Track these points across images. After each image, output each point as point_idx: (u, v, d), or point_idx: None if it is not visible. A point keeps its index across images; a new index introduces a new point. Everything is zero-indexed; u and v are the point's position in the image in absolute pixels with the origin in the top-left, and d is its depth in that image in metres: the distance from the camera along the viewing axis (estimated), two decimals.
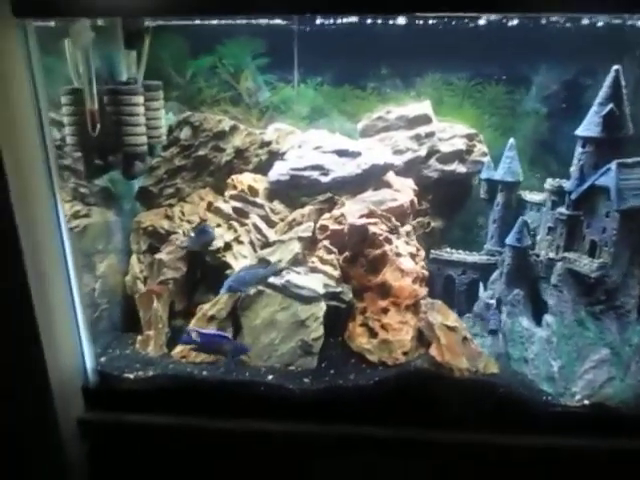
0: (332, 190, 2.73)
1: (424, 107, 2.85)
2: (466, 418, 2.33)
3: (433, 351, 2.41)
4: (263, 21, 2.60)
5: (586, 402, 2.33)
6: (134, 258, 2.85)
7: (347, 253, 2.56)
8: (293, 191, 2.80)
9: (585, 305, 2.38)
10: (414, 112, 2.83)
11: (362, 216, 2.53)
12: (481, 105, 2.91)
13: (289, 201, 2.88)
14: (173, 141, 2.85)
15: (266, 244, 2.74)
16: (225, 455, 2.48)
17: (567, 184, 2.40)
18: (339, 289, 2.55)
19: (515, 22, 2.46)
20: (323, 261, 2.58)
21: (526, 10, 1.97)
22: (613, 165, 2.22)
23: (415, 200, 2.69)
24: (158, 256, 2.73)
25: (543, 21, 2.51)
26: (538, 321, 2.52)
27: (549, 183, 2.52)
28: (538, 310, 2.55)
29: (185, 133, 2.84)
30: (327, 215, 2.68)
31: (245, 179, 2.88)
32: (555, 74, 2.84)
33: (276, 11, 2.10)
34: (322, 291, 2.49)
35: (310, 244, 2.67)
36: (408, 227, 2.66)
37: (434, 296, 2.70)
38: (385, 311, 2.49)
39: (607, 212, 2.28)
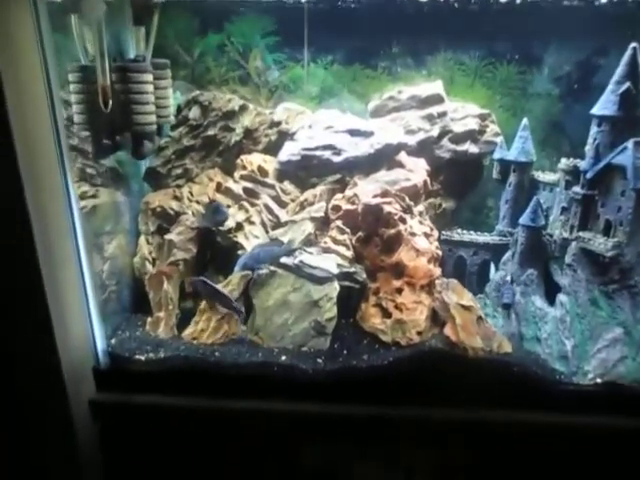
0: (344, 170, 2.70)
1: (436, 87, 2.82)
2: (480, 397, 2.34)
3: (447, 331, 2.41)
4: None
5: (599, 381, 2.34)
6: (142, 239, 2.82)
7: (360, 233, 2.55)
8: (304, 171, 2.78)
9: (598, 284, 2.38)
10: (426, 92, 2.81)
11: (376, 196, 2.51)
12: (492, 85, 2.88)
13: (299, 182, 2.85)
14: (182, 121, 2.81)
15: (278, 224, 2.72)
16: (237, 436, 2.48)
17: (582, 163, 2.40)
18: (352, 269, 2.54)
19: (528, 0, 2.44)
20: (336, 241, 2.57)
21: None
22: (630, 143, 2.21)
23: (428, 180, 2.68)
24: (168, 237, 2.69)
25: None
26: (551, 301, 2.53)
27: (563, 163, 2.51)
28: (551, 290, 2.55)
29: (194, 113, 2.80)
30: (340, 195, 2.66)
31: (255, 159, 2.84)
32: (568, 54, 2.82)
33: None
34: (335, 271, 2.47)
35: (322, 224, 2.66)
36: (421, 207, 2.64)
37: (445, 277, 2.69)
38: (399, 291, 2.49)
39: (623, 191, 2.27)
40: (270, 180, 2.79)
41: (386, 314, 2.50)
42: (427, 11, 2.61)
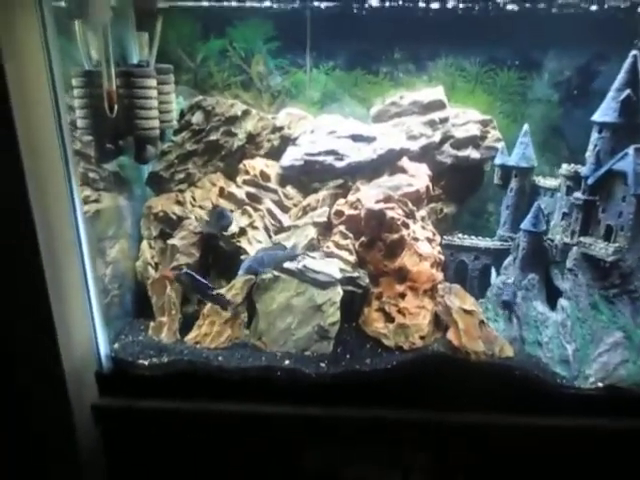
0: (347, 175, 2.72)
1: (438, 92, 2.84)
2: (482, 401, 2.35)
3: (450, 335, 2.43)
4: (275, 4, 2.57)
5: (600, 384, 2.36)
6: (145, 244, 2.82)
7: (363, 238, 2.56)
8: (306, 176, 2.79)
9: (599, 289, 2.40)
10: (428, 98, 2.83)
11: (379, 201, 2.53)
12: (493, 91, 2.91)
13: (301, 186, 2.87)
14: (184, 125, 2.82)
15: (280, 229, 2.73)
16: (240, 441, 2.48)
17: (583, 169, 2.42)
18: (355, 274, 2.55)
19: (527, 6, 2.46)
20: (339, 246, 2.58)
21: None
22: (630, 150, 2.24)
23: (430, 186, 2.70)
24: (171, 242, 2.70)
25: (555, 7, 2.51)
26: (552, 305, 2.55)
27: (564, 168, 2.54)
28: (552, 294, 2.57)
29: (197, 117, 2.81)
30: (342, 200, 2.67)
31: (257, 164, 2.85)
32: (568, 60, 2.86)
33: None
34: (339, 276, 2.49)
35: (325, 229, 2.67)
36: (423, 212, 2.66)
37: (447, 281, 2.70)
38: (402, 296, 2.50)
39: (623, 197, 2.29)
40: (273, 185, 2.80)
41: (389, 318, 2.52)
42: (428, 17, 2.63)
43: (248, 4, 2.60)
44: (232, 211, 2.75)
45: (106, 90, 2.23)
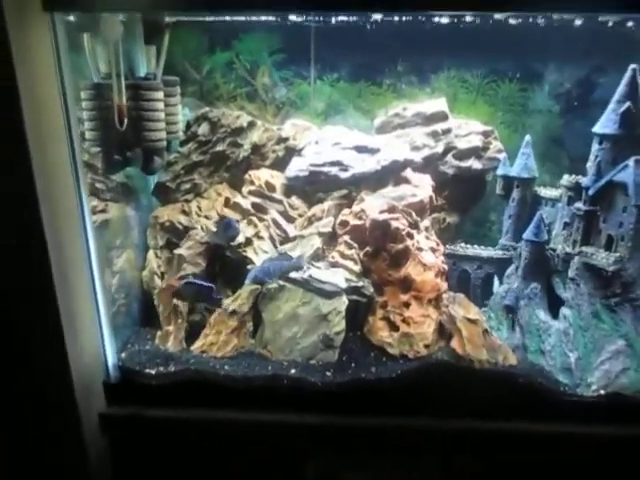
0: (351, 186, 2.76)
1: (440, 104, 2.89)
2: (486, 409, 2.38)
3: (454, 343, 2.46)
4: (280, 17, 2.61)
5: (602, 392, 2.39)
6: (151, 253, 2.85)
7: (368, 248, 2.59)
8: (311, 187, 2.82)
9: (601, 298, 2.43)
10: (431, 109, 2.87)
11: (383, 211, 2.56)
12: (494, 102, 2.95)
13: (306, 197, 2.90)
14: (191, 137, 2.85)
15: (286, 239, 2.76)
16: (248, 449, 2.50)
17: (584, 180, 2.46)
18: (360, 283, 2.59)
19: (529, 20, 2.49)
20: (344, 256, 2.61)
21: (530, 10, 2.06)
22: (631, 161, 2.28)
23: (433, 196, 2.73)
24: (178, 251, 2.73)
25: (556, 18, 2.54)
26: (554, 314, 2.59)
27: (565, 179, 2.58)
28: (554, 303, 2.61)
29: (203, 129, 2.84)
30: (347, 210, 2.71)
31: (262, 175, 2.89)
32: (568, 72, 2.90)
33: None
34: (344, 286, 2.52)
35: (330, 239, 2.70)
36: (427, 222, 2.70)
37: (450, 291, 2.74)
38: (407, 305, 2.53)
39: (624, 207, 2.33)
40: (278, 195, 2.84)
41: (393, 327, 2.55)
42: (431, 30, 2.66)
43: (254, 18, 2.63)
44: (238, 221, 2.78)
45: (116, 104, 2.27)
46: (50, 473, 2.47)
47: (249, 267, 2.64)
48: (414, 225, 2.59)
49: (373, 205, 2.61)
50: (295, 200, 2.87)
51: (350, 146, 2.75)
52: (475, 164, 2.83)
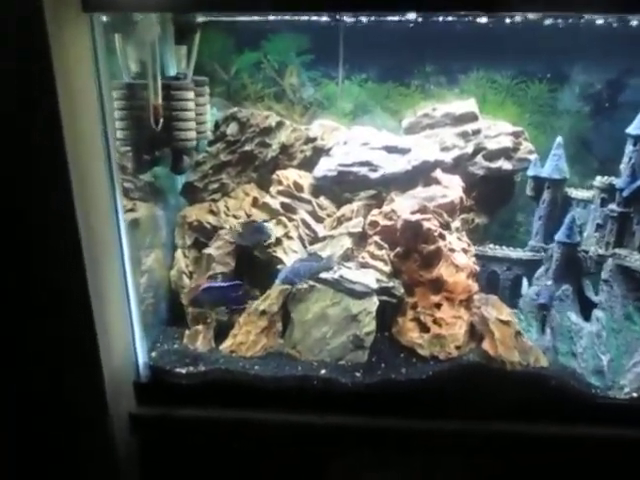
0: (380, 186, 2.75)
1: (470, 105, 2.88)
2: (518, 411, 2.37)
3: (486, 345, 2.45)
4: (308, 17, 2.61)
5: (635, 394, 2.38)
6: (179, 253, 2.85)
7: (399, 249, 2.59)
8: (339, 187, 2.82)
9: (634, 300, 2.43)
10: (460, 110, 2.86)
11: (415, 212, 2.55)
12: (523, 103, 2.94)
13: (334, 197, 2.90)
14: (219, 137, 2.85)
15: (315, 239, 2.75)
16: (278, 449, 2.50)
17: (617, 181, 2.45)
18: (391, 284, 2.58)
19: (560, 20, 2.48)
20: (374, 256, 2.61)
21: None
22: None
23: (464, 197, 2.72)
24: (207, 251, 2.73)
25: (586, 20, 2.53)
26: (585, 316, 2.57)
27: (599, 180, 2.57)
28: (586, 305, 2.59)
29: (232, 129, 2.84)
30: (377, 211, 2.70)
31: (290, 175, 2.88)
32: (599, 73, 2.89)
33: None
34: (375, 286, 2.51)
35: (359, 240, 2.70)
36: (457, 223, 2.69)
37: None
38: (438, 306, 2.52)
39: None
40: (306, 195, 2.83)
41: (424, 328, 2.54)
42: (460, 30, 2.65)
43: (284, 17, 2.63)
44: (266, 221, 2.78)
45: (152, 104, 2.28)
46: (79, 473, 2.48)
47: (279, 267, 2.64)
48: (446, 226, 2.58)
49: (404, 206, 2.60)
50: (323, 200, 2.86)
51: (379, 146, 2.74)
52: (505, 165, 2.81)
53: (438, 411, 2.39)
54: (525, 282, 2.83)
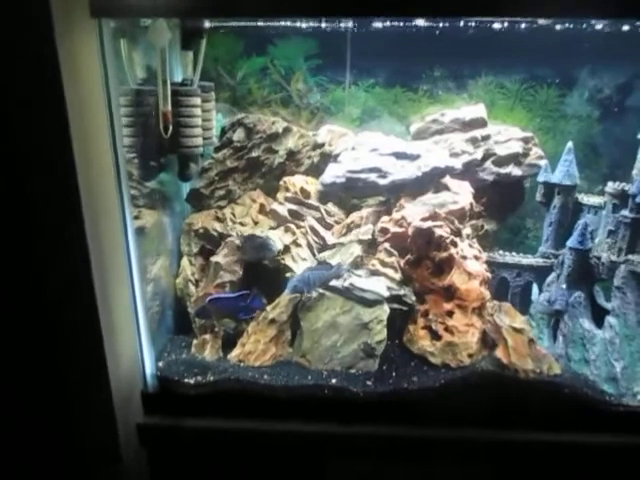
0: (390, 192, 2.72)
1: (479, 110, 2.86)
2: (532, 419, 2.35)
3: (499, 353, 2.42)
4: (315, 22, 2.59)
5: None
6: (185, 260, 2.81)
7: (410, 256, 2.56)
8: (348, 193, 2.79)
9: None
10: (469, 115, 2.84)
11: (426, 219, 2.53)
12: (532, 108, 2.93)
13: (341, 203, 2.87)
14: (226, 143, 2.82)
15: (323, 246, 2.72)
16: (288, 459, 2.46)
17: (630, 187, 2.43)
18: (402, 292, 2.55)
19: (568, 25, 2.47)
20: (384, 264, 2.58)
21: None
22: None
23: (473, 203, 2.70)
24: (215, 259, 2.69)
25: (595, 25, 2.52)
26: (597, 323, 2.55)
27: (610, 186, 2.55)
28: (597, 312, 2.57)
29: (238, 135, 2.81)
30: (387, 218, 2.67)
31: (297, 181, 2.86)
32: (608, 78, 2.88)
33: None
34: (386, 294, 2.48)
35: (369, 247, 2.67)
36: (468, 230, 2.67)
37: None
38: (450, 314, 2.49)
39: None
40: (314, 202, 2.80)
41: (436, 336, 2.51)
42: (469, 35, 2.64)
43: (290, 23, 2.61)
44: (272, 228, 2.74)
45: (161, 111, 2.24)
46: None
47: (287, 275, 2.60)
48: (457, 233, 2.55)
49: (414, 212, 2.57)
50: (331, 207, 2.84)
51: (388, 152, 2.71)
52: (515, 170, 2.79)
53: (450, 420, 2.36)
54: (535, 288, 2.81)
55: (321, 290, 2.54)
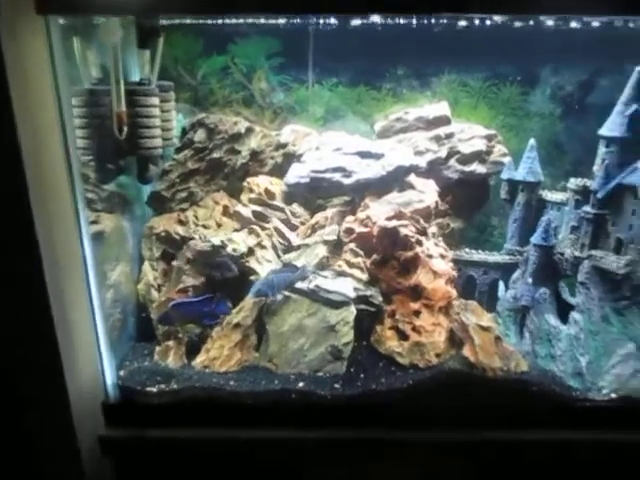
0: (354, 192, 2.69)
1: (442, 108, 2.85)
2: (500, 417, 2.35)
3: (466, 351, 2.41)
4: (277, 20, 2.54)
5: (613, 396, 2.38)
6: (147, 265, 2.74)
7: (376, 256, 2.53)
8: (312, 193, 2.75)
9: (610, 301, 2.42)
10: (433, 113, 2.83)
11: (390, 218, 2.50)
12: (495, 105, 2.93)
13: (306, 204, 2.83)
14: (187, 143, 2.75)
15: (289, 248, 2.68)
16: (257, 467, 2.41)
17: (591, 183, 2.45)
18: (369, 292, 2.52)
19: (530, 22, 2.47)
20: (350, 264, 2.55)
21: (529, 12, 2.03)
22: None
23: (439, 201, 2.69)
24: (177, 263, 2.62)
25: (558, 22, 2.52)
26: (562, 318, 2.56)
27: (573, 182, 2.56)
28: (563, 308, 2.59)
29: (200, 135, 2.75)
30: (352, 218, 2.64)
31: (261, 182, 2.81)
32: (570, 75, 2.90)
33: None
34: (352, 295, 2.45)
35: (335, 247, 2.63)
36: (434, 228, 2.65)
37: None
38: (417, 313, 2.48)
39: (633, 210, 2.32)
40: (279, 203, 2.76)
41: (403, 336, 2.49)
42: (432, 34, 2.62)
43: (250, 20, 2.55)
44: (236, 230, 2.69)
45: (115, 112, 2.16)
46: None
47: (252, 278, 2.55)
48: (423, 232, 2.53)
49: (379, 212, 2.55)
50: (296, 208, 2.79)
51: (353, 151, 2.68)
52: (479, 168, 2.79)
53: (419, 420, 2.34)
54: (502, 285, 2.81)
55: (287, 293, 2.49)
